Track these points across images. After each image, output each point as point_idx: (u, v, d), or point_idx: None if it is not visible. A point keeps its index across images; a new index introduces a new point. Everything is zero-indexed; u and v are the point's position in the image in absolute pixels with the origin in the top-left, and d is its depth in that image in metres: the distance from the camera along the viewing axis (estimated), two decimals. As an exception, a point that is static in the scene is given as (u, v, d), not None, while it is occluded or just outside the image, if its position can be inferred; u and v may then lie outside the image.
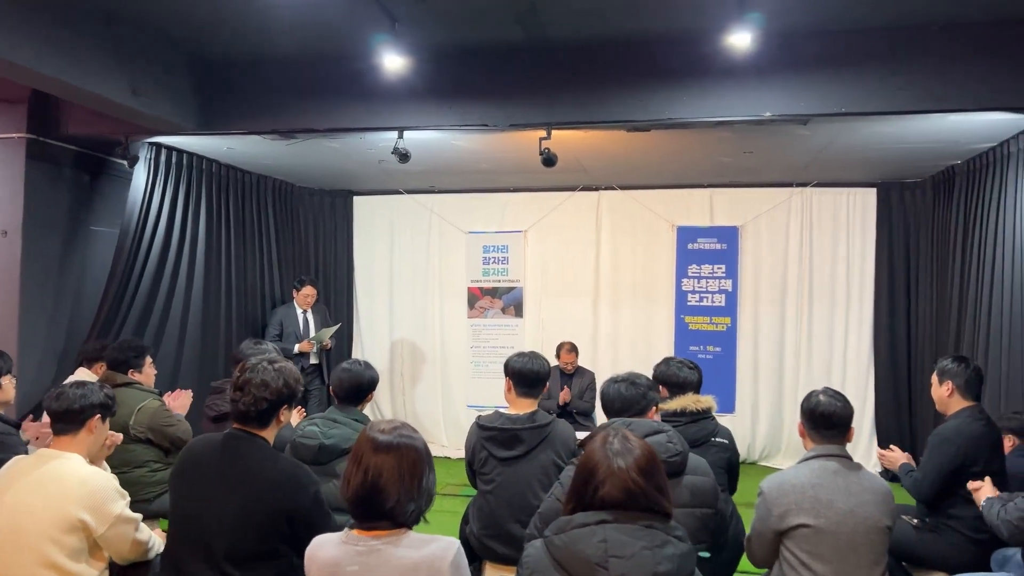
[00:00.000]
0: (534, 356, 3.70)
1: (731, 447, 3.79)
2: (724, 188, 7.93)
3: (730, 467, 3.78)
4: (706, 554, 2.95)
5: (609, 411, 3.24)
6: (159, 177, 6.19)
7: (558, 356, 7.13)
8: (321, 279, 8.65)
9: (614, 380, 3.28)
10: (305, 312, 7.42)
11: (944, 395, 3.82)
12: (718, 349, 7.98)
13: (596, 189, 8.18)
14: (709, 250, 7.96)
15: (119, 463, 3.96)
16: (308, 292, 7.38)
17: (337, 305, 8.73)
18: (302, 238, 8.50)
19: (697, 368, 4.03)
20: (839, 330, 7.69)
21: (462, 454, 3.83)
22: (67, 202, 5.83)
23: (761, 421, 7.92)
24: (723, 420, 7.76)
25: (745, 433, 7.91)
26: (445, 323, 8.63)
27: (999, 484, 3.49)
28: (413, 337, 8.75)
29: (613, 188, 8.13)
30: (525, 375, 3.61)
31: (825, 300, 7.73)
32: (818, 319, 7.75)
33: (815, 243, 7.74)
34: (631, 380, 3.23)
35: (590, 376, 7.18)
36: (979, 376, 3.83)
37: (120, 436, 3.49)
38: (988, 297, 5.56)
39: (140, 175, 6.03)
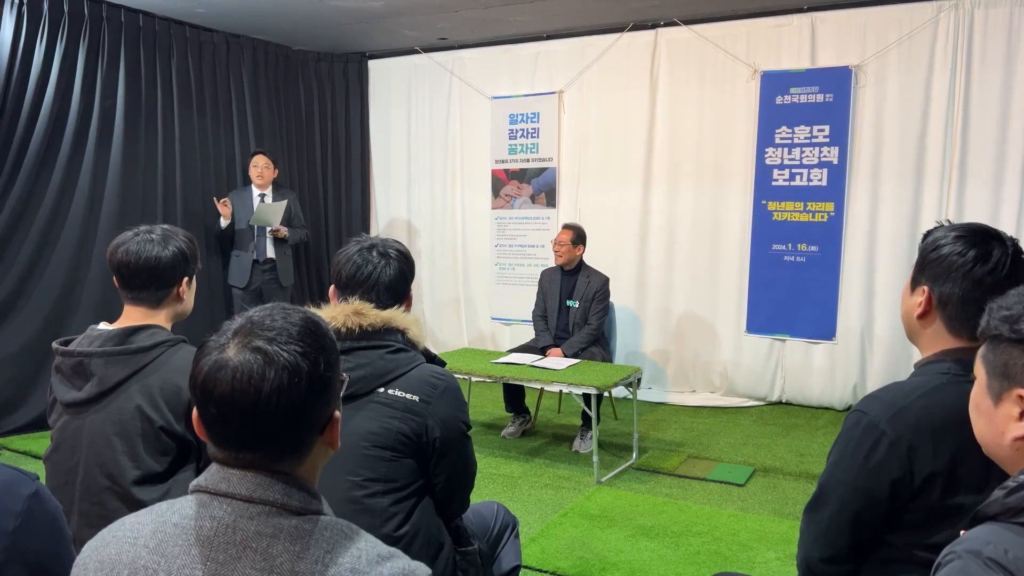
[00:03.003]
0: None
1: None
2: (833, 10, 5.38)
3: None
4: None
5: None
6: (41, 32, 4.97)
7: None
8: (331, 163, 7.18)
9: None
10: (263, 194, 5.92)
11: None
12: (814, 249, 5.52)
13: (652, 26, 5.93)
14: (807, 104, 5.47)
15: None
16: (257, 162, 5.86)
17: (350, 196, 7.23)
18: (303, 113, 7.01)
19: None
20: (1008, 218, 4.96)
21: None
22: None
23: (876, 353, 5.39)
24: (821, 349, 5.53)
25: (851, 369, 5.44)
26: (466, 216, 6.86)
27: None
28: (432, 235, 7.06)
29: (675, 23, 5.83)
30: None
31: (986, 175, 5.02)
32: (975, 203, 5.06)
33: (976, 87, 5.02)
34: None
35: (600, 280, 5.08)
36: None
37: None
38: None
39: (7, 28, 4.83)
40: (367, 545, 1.03)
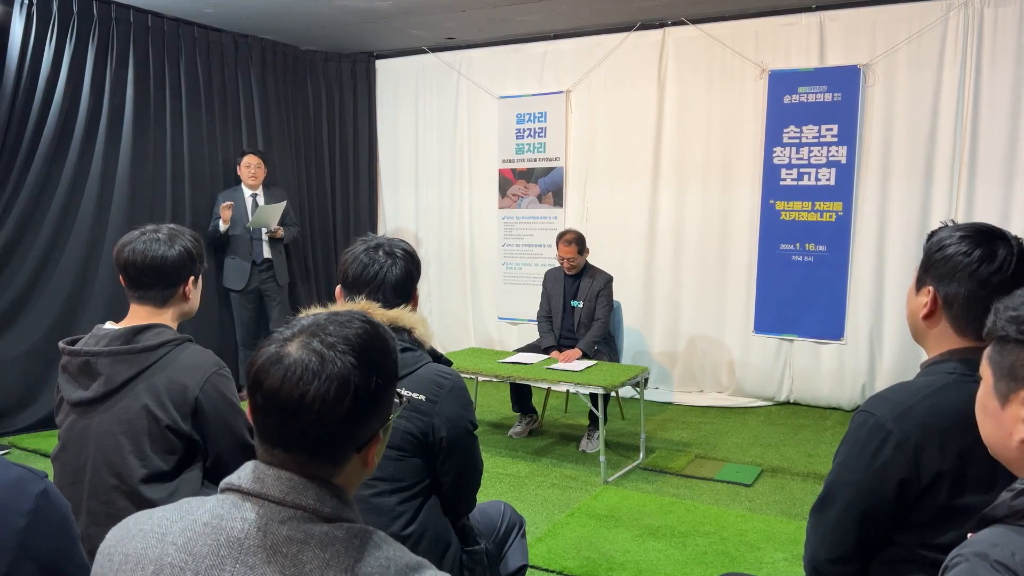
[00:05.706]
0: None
1: None
2: (842, 9, 5.36)
3: None
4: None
5: None
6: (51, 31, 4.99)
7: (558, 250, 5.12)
8: (338, 163, 7.19)
9: None
10: (254, 193, 5.90)
11: None
12: (822, 249, 5.50)
13: (660, 25, 5.92)
14: (816, 103, 5.45)
15: None
16: (249, 162, 5.83)
17: (358, 196, 7.25)
18: (311, 113, 7.02)
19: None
20: (1018, 217, 4.93)
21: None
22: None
23: (884, 354, 5.37)
24: (829, 349, 5.51)
25: (860, 369, 5.42)
26: (473, 216, 6.86)
27: None
28: (439, 235, 7.07)
29: (683, 23, 5.82)
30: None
31: (996, 174, 4.99)
32: (985, 202, 5.03)
33: (987, 86, 5.00)
34: None
35: (603, 279, 5.06)
36: None
37: None
38: None
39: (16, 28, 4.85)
40: (396, 554, 1.02)
